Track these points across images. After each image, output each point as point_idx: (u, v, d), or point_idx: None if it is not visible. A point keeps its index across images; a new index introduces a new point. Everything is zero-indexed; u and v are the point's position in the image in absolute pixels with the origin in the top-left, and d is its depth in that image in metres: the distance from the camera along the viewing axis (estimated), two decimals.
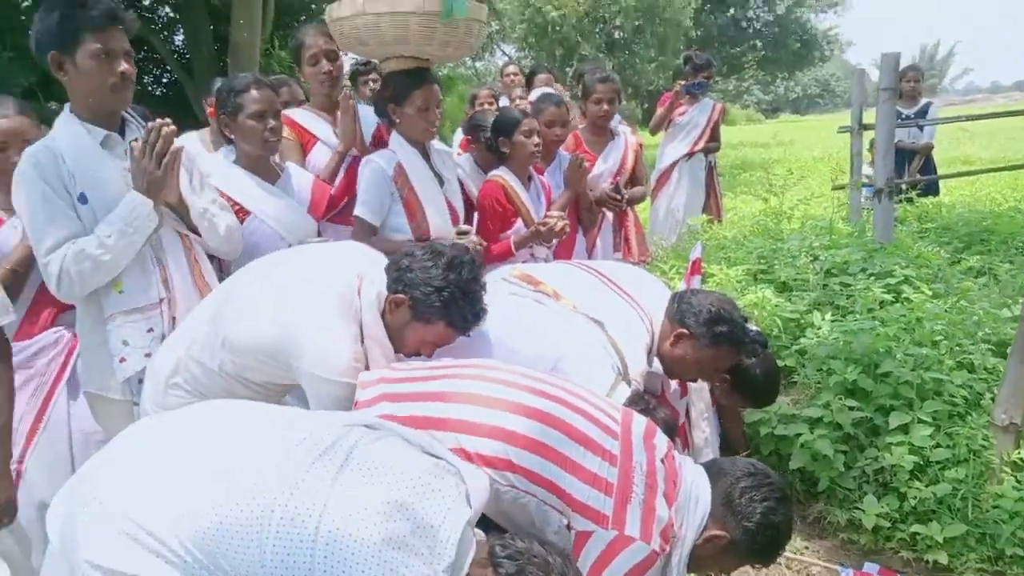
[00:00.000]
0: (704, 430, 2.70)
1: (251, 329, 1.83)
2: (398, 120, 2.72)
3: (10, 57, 8.48)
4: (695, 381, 2.55)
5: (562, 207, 3.23)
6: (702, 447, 2.68)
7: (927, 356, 2.78)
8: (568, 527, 1.57)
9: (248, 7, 9.52)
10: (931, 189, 5.98)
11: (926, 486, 2.45)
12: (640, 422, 1.75)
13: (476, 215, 3.19)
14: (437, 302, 1.83)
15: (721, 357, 2.23)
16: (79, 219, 1.97)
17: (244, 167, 2.55)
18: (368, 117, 3.08)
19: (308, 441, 1.31)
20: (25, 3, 9.14)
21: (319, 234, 2.69)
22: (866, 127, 4.92)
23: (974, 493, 2.43)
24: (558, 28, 18.81)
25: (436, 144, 2.91)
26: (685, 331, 2.19)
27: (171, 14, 12.81)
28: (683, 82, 5.39)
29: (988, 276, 3.83)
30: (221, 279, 2.24)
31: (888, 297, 3.26)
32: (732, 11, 26.36)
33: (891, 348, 2.82)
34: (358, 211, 2.70)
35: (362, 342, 1.85)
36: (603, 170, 3.88)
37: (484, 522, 1.46)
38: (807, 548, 2.53)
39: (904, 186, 5.35)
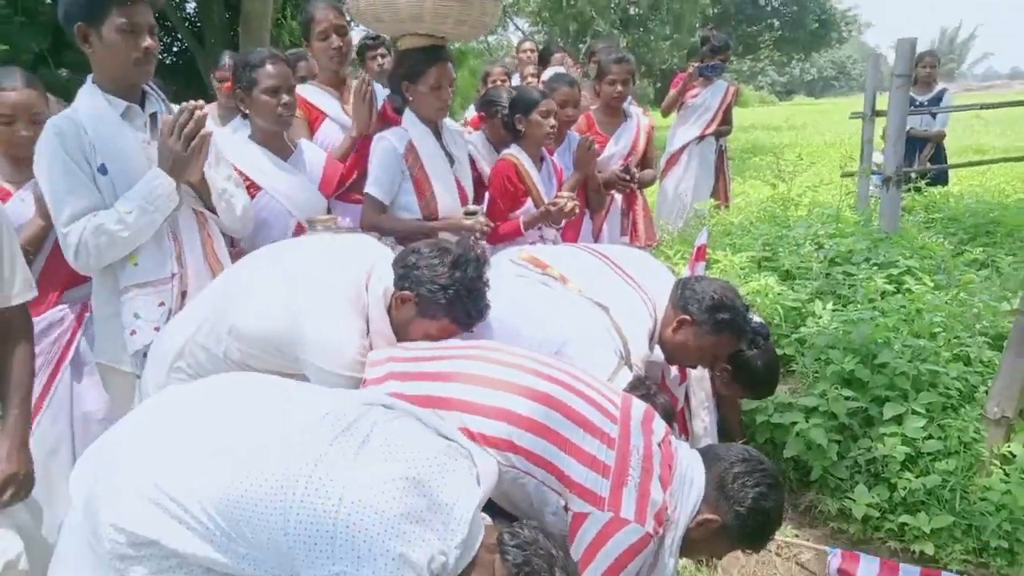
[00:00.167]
0: (704, 419, 2.74)
1: (259, 318, 1.85)
2: (411, 98, 2.73)
3: (22, 22, 8.43)
4: (695, 367, 2.60)
5: (571, 188, 3.24)
6: (701, 436, 2.72)
7: (924, 348, 2.81)
8: (565, 508, 1.62)
9: None
10: (940, 178, 5.93)
11: (916, 477, 2.49)
12: (639, 407, 1.79)
13: (487, 193, 3.20)
14: (442, 300, 1.86)
15: (722, 344, 2.27)
16: (99, 190, 2.01)
17: (258, 142, 2.58)
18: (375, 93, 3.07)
19: (331, 416, 1.36)
20: None
21: (328, 211, 2.72)
22: (879, 113, 4.86)
23: (963, 485, 2.46)
24: (573, 3, 18.53)
25: (448, 123, 2.93)
26: (687, 317, 2.23)
27: None
28: (698, 64, 5.30)
29: (991, 268, 3.82)
30: (232, 256, 2.28)
31: (890, 287, 3.28)
32: None
33: (889, 339, 2.84)
34: (369, 188, 2.73)
35: (367, 336, 1.88)
36: (614, 152, 3.88)
37: (489, 507, 1.50)
38: (797, 536, 2.57)
39: (913, 175, 5.32)
